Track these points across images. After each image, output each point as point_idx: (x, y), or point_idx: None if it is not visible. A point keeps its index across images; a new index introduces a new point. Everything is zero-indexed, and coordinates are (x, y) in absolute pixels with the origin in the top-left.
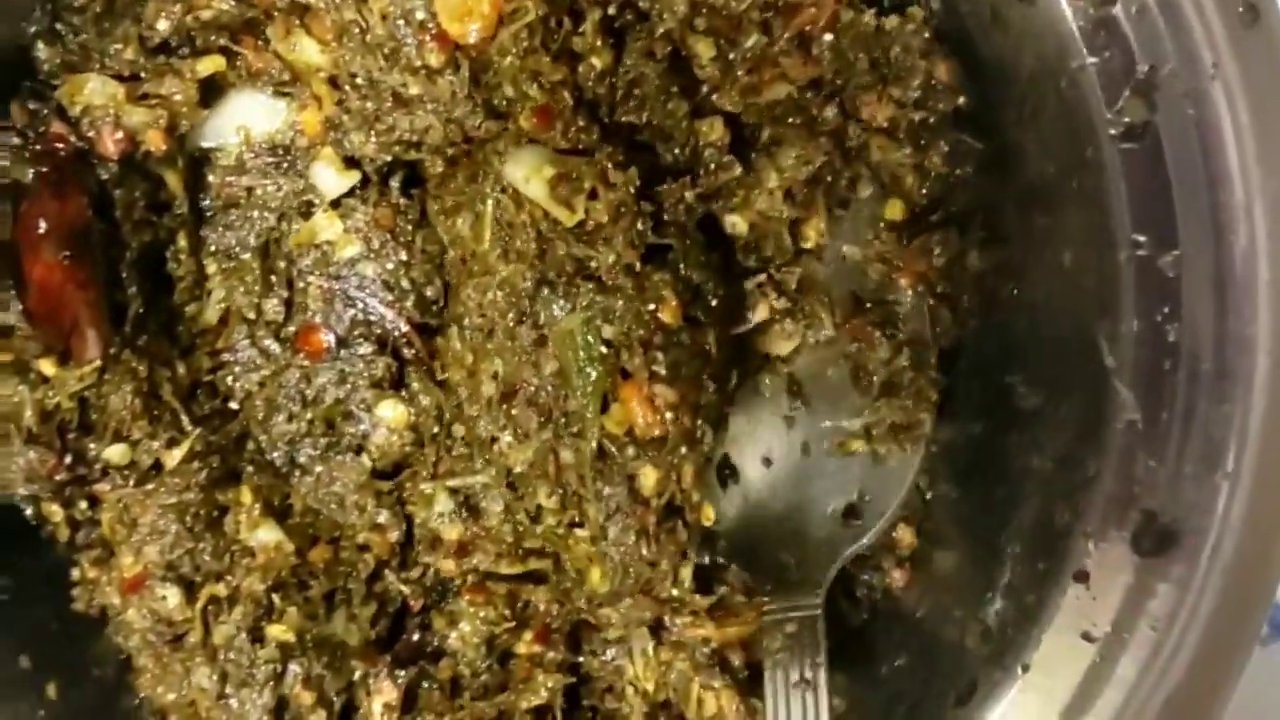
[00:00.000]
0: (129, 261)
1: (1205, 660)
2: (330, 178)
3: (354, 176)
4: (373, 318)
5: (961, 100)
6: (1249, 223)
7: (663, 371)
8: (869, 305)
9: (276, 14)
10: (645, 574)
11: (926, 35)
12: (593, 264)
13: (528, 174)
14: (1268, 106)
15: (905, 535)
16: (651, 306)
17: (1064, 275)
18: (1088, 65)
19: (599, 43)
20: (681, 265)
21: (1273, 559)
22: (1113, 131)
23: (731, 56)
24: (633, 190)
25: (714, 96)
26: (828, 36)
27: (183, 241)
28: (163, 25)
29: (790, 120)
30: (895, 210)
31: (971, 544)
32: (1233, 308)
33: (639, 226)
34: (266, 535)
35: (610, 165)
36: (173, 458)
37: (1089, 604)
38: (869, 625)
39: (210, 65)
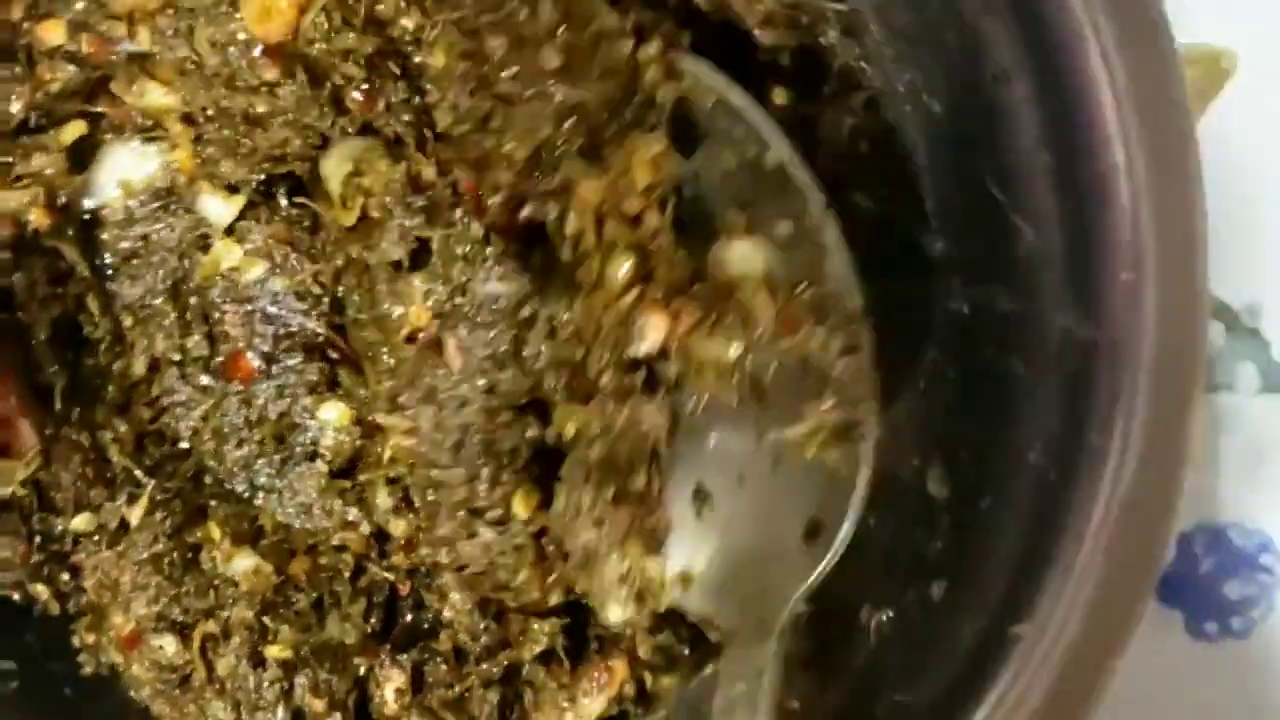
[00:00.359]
0: (44, 341)
1: (1152, 449)
2: (217, 207)
3: (239, 201)
4: (294, 328)
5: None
6: (1095, 30)
7: None
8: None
9: (118, 69)
10: None
11: None
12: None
13: (330, 173)
14: None
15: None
16: None
17: (939, 121)
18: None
19: (401, 3)
20: None
21: (1193, 345)
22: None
23: None
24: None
25: None
26: None
27: (93, 304)
28: (15, 108)
29: None
30: (780, 97)
31: (917, 391)
32: (1096, 116)
33: (405, 222)
34: (243, 563)
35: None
36: (136, 514)
37: (1030, 432)
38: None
39: (73, 131)
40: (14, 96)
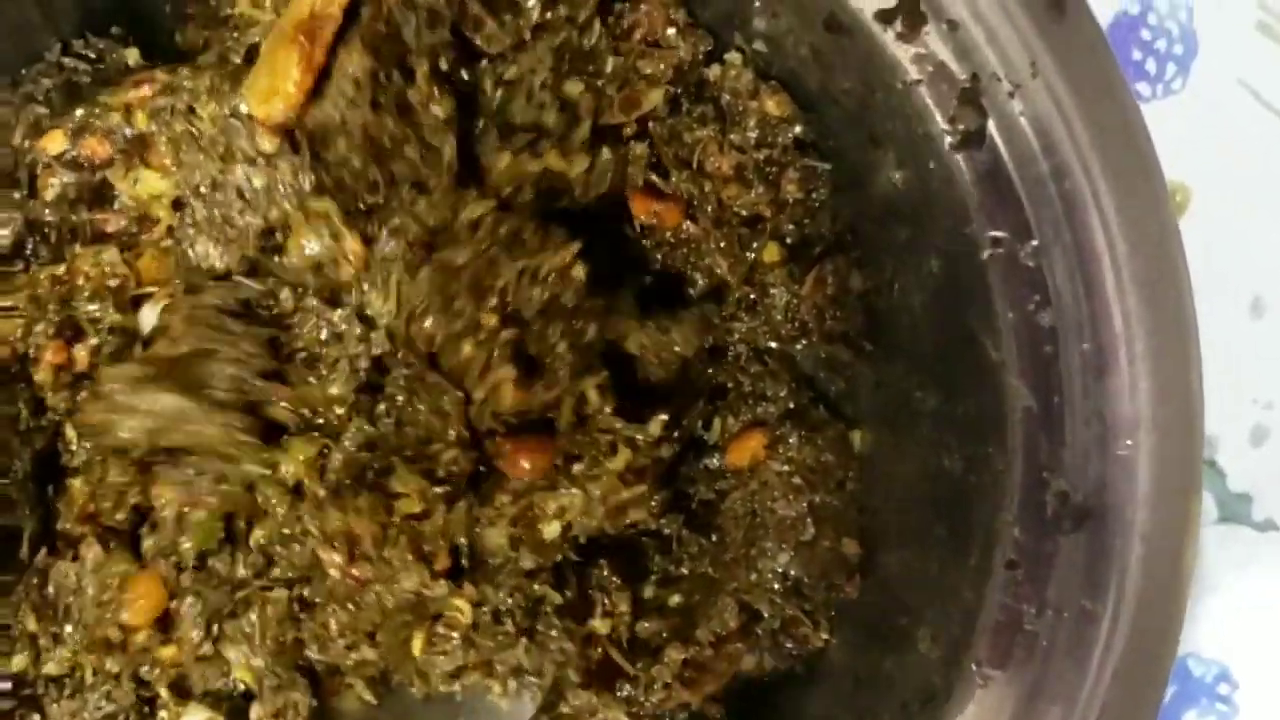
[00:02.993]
0: (20, 479)
1: (1145, 618)
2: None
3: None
4: None
5: (799, 129)
6: (1097, 204)
7: None
8: None
9: (117, 157)
10: None
11: (749, 76)
12: None
13: None
14: (1090, 93)
15: (850, 546)
16: None
17: (935, 281)
18: (913, 83)
19: (435, 91)
20: None
21: (1188, 516)
22: (950, 141)
23: (600, 83)
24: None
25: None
26: (670, 30)
27: (70, 431)
28: (3, 234)
29: None
30: (772, 252)
31: (904, 548)
32: (1097, 286)
33: None
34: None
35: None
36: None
37: (1025, 589)
38: (825, 646)
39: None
40: (3, 224)
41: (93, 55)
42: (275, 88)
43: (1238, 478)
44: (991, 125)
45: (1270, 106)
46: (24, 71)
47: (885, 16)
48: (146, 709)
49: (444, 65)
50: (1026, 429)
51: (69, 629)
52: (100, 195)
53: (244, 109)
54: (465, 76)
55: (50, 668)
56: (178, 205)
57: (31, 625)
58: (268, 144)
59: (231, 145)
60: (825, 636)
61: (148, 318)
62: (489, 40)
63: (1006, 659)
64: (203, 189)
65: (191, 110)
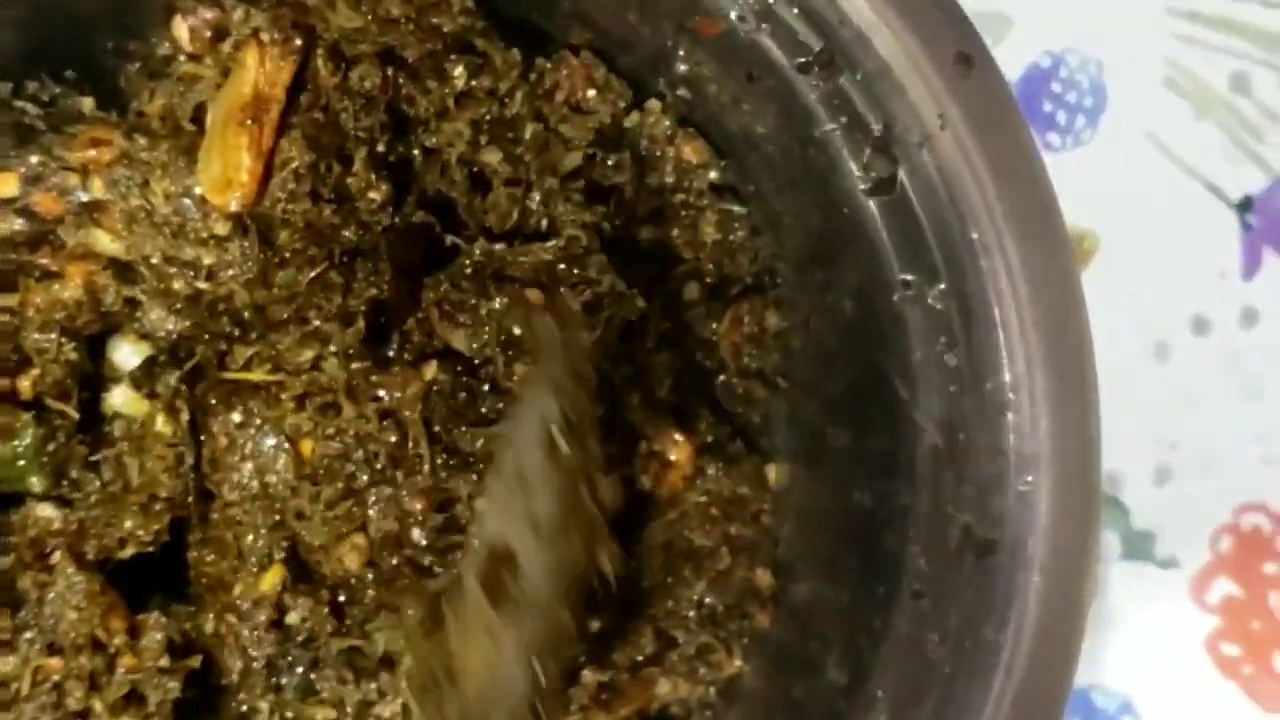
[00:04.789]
0: None
1: (1044, 647)
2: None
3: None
4: None
5: (714, 174)
6: (1001, 250)
7: None
8: None
9: (69, 217)
10: None
11: (668, 123)
12: None
13: None
14: (996, 144)
15: (764, 577)
16: None
17: (849, 321)
18: (828, 131)
19: (373, 177)
20: None
21: (1086, 548)
22: (864, 187)
23: (518, 151)
24: None
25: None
26: (591, 92)
27: None
28: None
29: None
30: (691, 291)
31: (816, 578)
32: (1000, 329)
33: None
34: None
35: None
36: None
37: (930, 618)
38: (739, 673)
39: None
40: None
41: (46, 99)
42: (229, 178)
43: (1141, 516)
44: (902, 173)
45: (1176, 159)
46: None
47: (803, 68)
48: None
49: (380, 147)
50: (932, 465)
51: (28, 635)
52: (48, 241)
53: (197, 190)
54: (401, 150)
55: None
56: (123, 268)
57: (3, 621)
58: (220, 228)
59: (184, 225)
60: (739, 664)
61: (126, 356)
62: (416, 107)
63: (909, 685)
64: (154, 260)
65: (146, 183)
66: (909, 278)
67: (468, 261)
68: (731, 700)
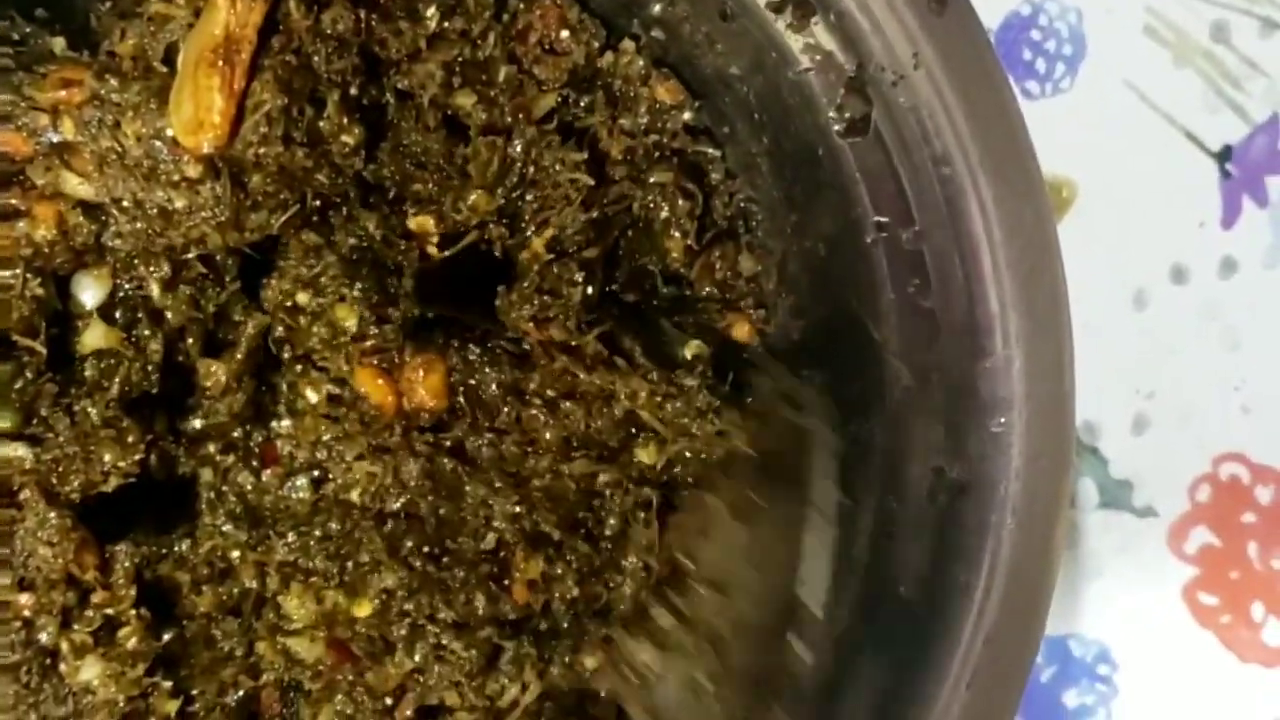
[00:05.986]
0: None
1: (1016, 589)
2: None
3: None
4: None
5: (688, 115)
6: (976, 191)
7: None
8: None
9: (38, 158)
10: None
11: (642, 63)
12: None
13: None
14: (970, 85)
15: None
16: None
17: (822, 264)
18: (802, 71)
19: (345, 120)
20: None
21: (1059, 491)
22: (838, 128)
23: (492, 94)
24: None
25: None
26: (565, 33)
27: None
28: None
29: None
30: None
31: (786, 518)
32: (974, 270)
33: None
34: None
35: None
36: None
37: (901, 560)
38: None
39: None
40: None
41: (16, 37)
42: (200, 120)
43: (1119, 465)
44: (876, 114)
45: (1155, 106)
46: None
47: (776, 7)
48: (48, 661)
49: (353, 90)
50: (904, 406)
51: None
52: (16, 180)
53: (169, 132)
54: (373, 93)
55: None
56: (91, 209)
57: None
58: (192, 170)
59: (156, 167)
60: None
61: (88, 292)
62: (388, 49)
63: (880, 628)
64: (125, 203)
65: (117, 124)
66: (882, 219)
67: None
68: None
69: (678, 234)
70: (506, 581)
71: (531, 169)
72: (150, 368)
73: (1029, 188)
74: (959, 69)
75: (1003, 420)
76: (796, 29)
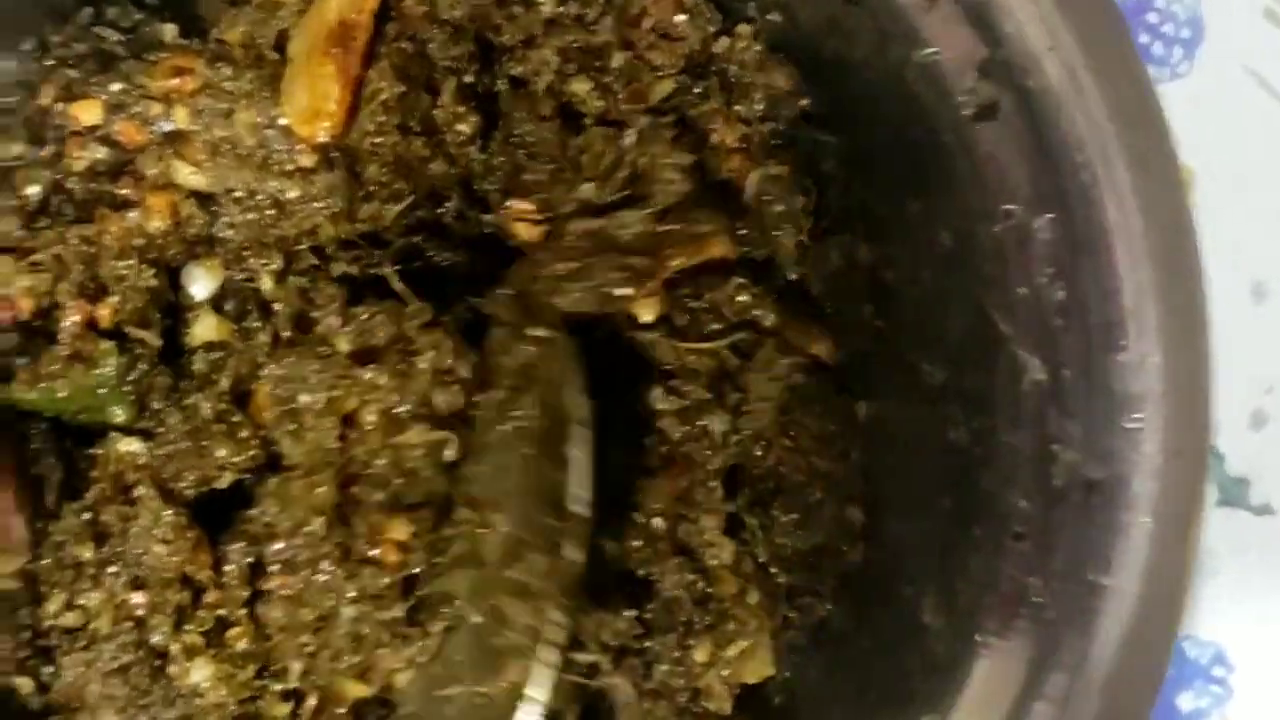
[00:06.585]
0: (44, 430)
1: (1152, 590)
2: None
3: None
4: None
5: (805, 102)
6: (1111, 177)
7: None
8: None
9: (150, 148)
10: None
11: (758, 49)
12: None
13: None
14: (1106, 70)
15: (855, 514)
16: None
17: (946, 254)
18: (929, 54)
19: (461, 109)
20: None
21: (1196, 489)
22: (966, 113)
23: (607, 80)
24: None
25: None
26: (680, 17)
27: None
28: (32, 191)
29: None
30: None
31: (911, 516)
32: (1109, 261)
33: None
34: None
35: None
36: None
37: (1032, 560)
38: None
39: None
40: (34, 180)
41: (126, 25)
42: (317, 108)
43: (1236, 461)
44: (1007, 98)
45: (1275, 93)
46: (54, 37)
47: None
48: (158, 662)
49: (469, 79)
50: (1035, 402)
51: (112, 569)
52: (128, 171)
53: (283, 121)
54: (486, 81)
55: (68, 618)
56: (203, 199)
57: (87, 554)
58: (306, 160)
59: (269, 157)
60: (829, 606)
61: (199, 284)
62: (503, 35)
63: (1012, 630)
64: (238, 193)
65: (230, 113)
66: (1012, 208)
67: None
68: (820, 643)
69: (791, 227)
70: None
71: (643, 160)
72: (260, 360)
73: (1168, 176)
74: (1095, 54)
75: (1138, 416)
76: (925, 10)
